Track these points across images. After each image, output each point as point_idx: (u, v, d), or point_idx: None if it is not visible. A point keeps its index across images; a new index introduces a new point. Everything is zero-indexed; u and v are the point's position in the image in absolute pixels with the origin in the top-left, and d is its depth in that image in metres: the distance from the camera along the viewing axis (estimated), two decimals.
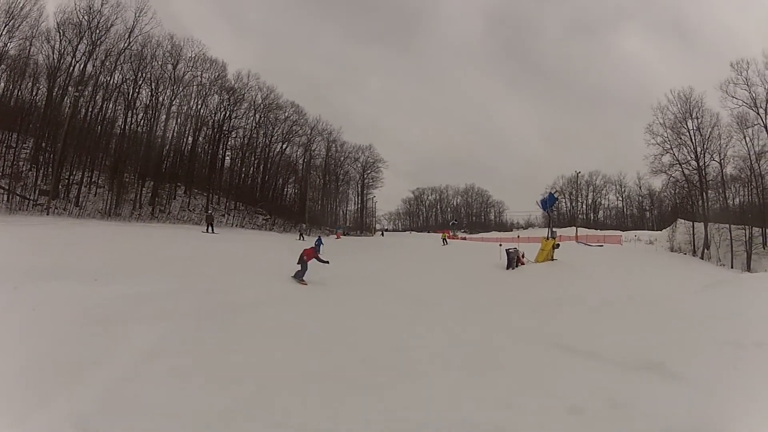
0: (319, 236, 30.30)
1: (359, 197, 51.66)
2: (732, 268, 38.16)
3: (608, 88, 75.70)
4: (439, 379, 3.90)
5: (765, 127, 39.65)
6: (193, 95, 41.22)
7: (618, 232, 46.64)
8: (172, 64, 40.67)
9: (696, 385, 3.82)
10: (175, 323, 5.94)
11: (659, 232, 46.20)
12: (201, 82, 41.18)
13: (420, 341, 5.24)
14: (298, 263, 14.28)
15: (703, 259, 40.39)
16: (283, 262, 15.87)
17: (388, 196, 72.54)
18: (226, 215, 41.06)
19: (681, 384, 3.89)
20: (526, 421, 3.23)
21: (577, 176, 54.36)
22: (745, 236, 39.27)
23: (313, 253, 14.72)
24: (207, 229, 31.54)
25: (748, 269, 37.52)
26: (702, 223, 41.78)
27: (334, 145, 48.75)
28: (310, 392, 3.67)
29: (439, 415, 3.28)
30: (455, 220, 56.58)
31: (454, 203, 62.31)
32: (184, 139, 41.32)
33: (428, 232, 53.62)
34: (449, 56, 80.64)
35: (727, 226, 40.20)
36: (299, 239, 33.04)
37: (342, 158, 49.89)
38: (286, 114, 45.43)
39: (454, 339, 5.35)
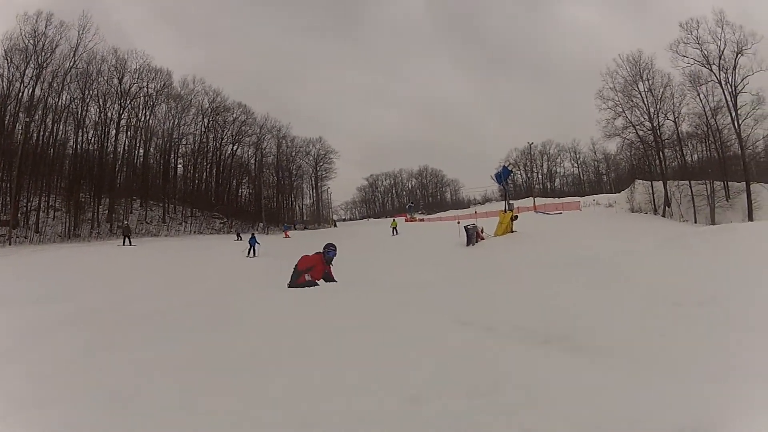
0: (253, 234, 28.36)
1: (314, 190, 52.01)
2: (696, 222, 38.53)
3: (556, 57, 76.55)
4: (300, 370, 3.43)
5: (719, 82, 40.48)
6: (140, 107, 40.92)
7: (576, 199, 46.90)
8: (118, 77, 40.57)
9: (601, 359, 3.06)
10: (101, 331, 5.58)
11: (618, 194, 46.69)
12: (148, 92, 40.82)
13: (319, 332, 4.72)
14: (291, 286, 8.28)
15: (665, 216, 40.83)
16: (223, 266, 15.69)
17: (343, 186, 72.38)
18: (183, 223, 40.54)
19: (582, 359, 3.12)
20: (351, 411, 2.56)
21: (530, 147, 55.07)
22: (707, 191, 39.87)
23: (321, 264, 8.58)
24: (123, 242, 29.72)
25: (713, 222, 38.00)
26: (661, 182, 42.31)
27: (284, 141, 49.01)
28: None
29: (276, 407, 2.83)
30: (411, 203, 56.77)
31: (409, 186, 62.86)
32: (136, 152, 40.96)
33: (386, 217, 53.60)
34: (394, 39, 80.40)
35: (687, 182, 40.82)
36: (237, 239, 32.85)
37: (293, 153, 50.11)
38: (235, 115, 45.46)
39: (356, 322, 4.84)
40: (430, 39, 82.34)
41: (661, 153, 43.13)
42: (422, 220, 48.90)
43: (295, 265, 8.55)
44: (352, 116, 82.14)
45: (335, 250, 8.72)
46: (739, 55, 39.00)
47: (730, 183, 40.18)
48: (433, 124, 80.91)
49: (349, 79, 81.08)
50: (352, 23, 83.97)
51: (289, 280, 8.47)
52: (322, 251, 8.67)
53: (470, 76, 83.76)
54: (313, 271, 8.38)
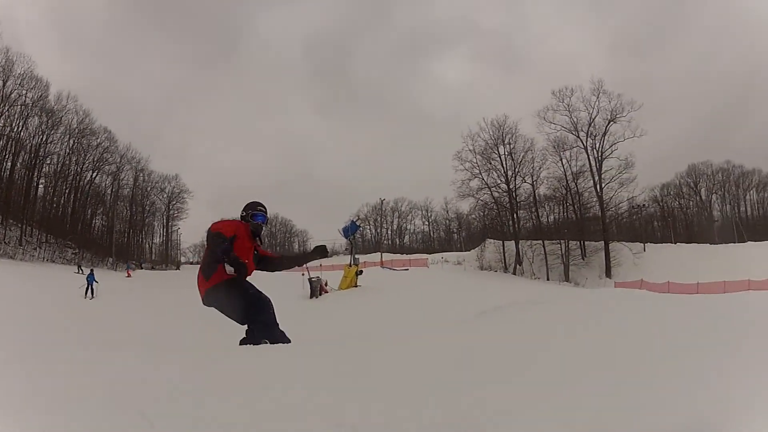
0: (91, 270, 26.16)
1: (165, 229, 50.82)
2: (548, 280, 41.02)
3: (420, 115, 78.59)
4: None
5: (585, 148, 43.64)
6: (16, 116, 38.82)
7: (424, 256, 47.41)
8: (2, 80, 38.31)
9: None
10: None
11: (468, 252, 47.69)
12: (25, 102, 38.87)
13: None
14: (208, 303, 4.26)
15: (515, 274, 42.47)
16: None
17: (194, 228, 71.08)
18: (38, 248, 38.66)
19: None
20: None
21: (382, 203, 56.02)
22: (561, 250, 42.44)
23: (247, 237, 4.44)
24: None
25: (566, 280, 40.82)
26: (513, 241, 43.94)
27: (142, 174, 48.09)
28: None
29: None
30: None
31: None
32: (3, 165, 38.62)
33: None
34: (266, 83, 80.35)
35: (541, 242, 43.10)
36: (78, 272, 32.23)
37: (149, 188, 49.14)
38: (99, 140, 43.85)
39: None
40: (301, 83, 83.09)
41: (515, 214, 45.04)
42: None
43: (208, 230, 4.44)
44: (211, 155, 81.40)
45: (265, 214, 4.77)
46: (612, 122, 42.34)
47: (587, 242, 42.95)
48: (290, 171, 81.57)
49: (214, 118, 79.99)
50: (228, 58, 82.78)
51: (202, 272, 4.31)
52: (242, 215, 4.67)
53: (333, 126, 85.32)
54: (236, 250, 4.30)
